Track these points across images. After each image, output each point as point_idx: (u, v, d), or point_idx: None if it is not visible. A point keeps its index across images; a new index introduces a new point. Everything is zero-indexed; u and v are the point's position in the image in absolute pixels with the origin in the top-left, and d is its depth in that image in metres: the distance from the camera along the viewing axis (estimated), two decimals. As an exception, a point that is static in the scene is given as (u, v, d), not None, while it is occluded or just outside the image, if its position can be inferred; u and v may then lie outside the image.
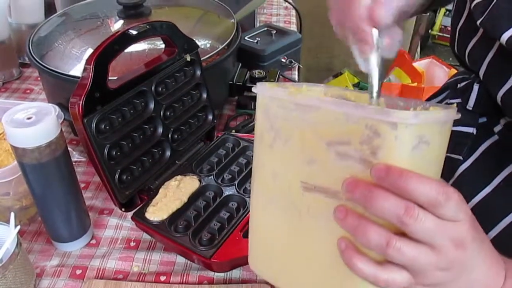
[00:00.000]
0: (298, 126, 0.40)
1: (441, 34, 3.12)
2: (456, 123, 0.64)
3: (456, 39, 0.63)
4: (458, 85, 0.67)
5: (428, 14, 2.47)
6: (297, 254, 0.43)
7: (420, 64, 2.14)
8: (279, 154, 0.42)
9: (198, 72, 0.76)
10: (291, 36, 1.08)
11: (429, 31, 3.13)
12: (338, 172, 0.37)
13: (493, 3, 0.52)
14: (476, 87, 0.61)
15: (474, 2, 0.55)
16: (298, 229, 0.42)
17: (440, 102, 0.76)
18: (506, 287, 0.41)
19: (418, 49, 2.55)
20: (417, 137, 0.34)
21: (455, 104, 0.42)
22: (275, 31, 1.08)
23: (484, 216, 0.51)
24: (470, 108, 0.62)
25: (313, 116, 0.39)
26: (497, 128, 0.60)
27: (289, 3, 1.38)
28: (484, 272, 0.40)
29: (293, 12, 1.37)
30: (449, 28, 2.75)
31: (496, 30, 0.51)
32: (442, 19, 3.11)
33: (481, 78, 0.59)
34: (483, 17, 0.53)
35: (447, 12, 3.02)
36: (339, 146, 0.37)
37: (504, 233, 0.53)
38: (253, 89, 0.42)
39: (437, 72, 2.12)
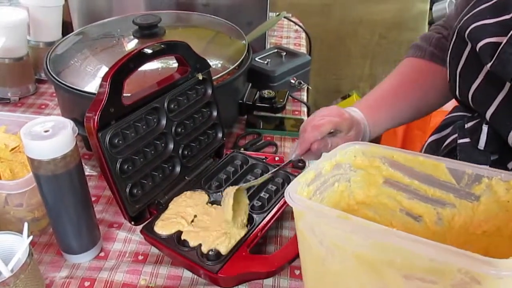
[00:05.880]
0: (358, 249, 0.36)
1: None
2: (468, 161, 0.64)
3: (458, 82, 0.64)
4: (466, 125, 0.68)
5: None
6: None
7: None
8: (335, 271, 0.39)
9: (209, 91, 0.77)
10: (301, 58, 1.11)
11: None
12: None
13: (500, 48, 0.53)
14: (485, 128, 0.61)
15: (480, 45, 0.56)
16: None
17: (443, 138, 0.77)
18: None
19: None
20: None
21: None
22: (285, 53, 1.10)
23: None
24: (482, 148, 0.62)
25: (378, 244, 0.35)
26: (510, 165, 0.60)
27: (299, 26, 1.41)
28: None
29: (303, 35, 1.39)
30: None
31: (507, 73, 0.52)
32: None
33: (488, 119, 0.59)
34: (492, 61, 0.54)
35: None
36: (423, 283, 0.33)
37: None
38: (288, 202, 0.40)
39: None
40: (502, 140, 0.59)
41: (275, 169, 0.72)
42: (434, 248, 0.32)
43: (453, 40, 0.64)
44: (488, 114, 0.58)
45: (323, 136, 0.67)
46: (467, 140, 0.65)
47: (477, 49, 0.57)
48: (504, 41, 0.52)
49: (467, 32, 0.59)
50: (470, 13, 0.60)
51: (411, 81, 0.79)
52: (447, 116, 0.81)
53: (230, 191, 0.65)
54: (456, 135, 0.70)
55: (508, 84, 0.55)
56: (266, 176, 0.70)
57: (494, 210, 0.44)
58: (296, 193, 0.42)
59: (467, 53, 0.61)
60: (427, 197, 0.48)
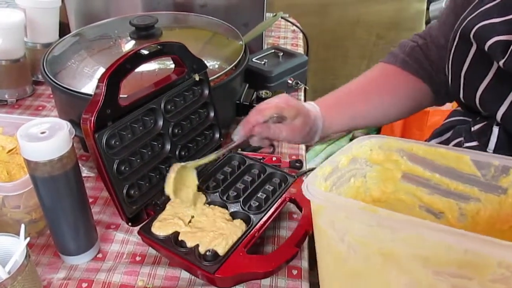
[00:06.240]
0: (385, 245, 0.34)
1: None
2: None
3: (462, 86, 0.63)
4: (472, 128, 0.67)
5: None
6: None
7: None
8: (358, 270, 0.37)
9: (206, 92, 0.78)
10: (298, 58, 1.11)
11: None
12: None
13: None
14: (495, 130, 0.60)
15: (489, 43, 0.56)
16: None
17: (444, 142, 0.77)
18: None
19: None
20: None
21: None
22: (282, 53, 1.10)
23: None
24: (491, 151, 0.61)
25: (407, 238, 0.32)
26: None
27: (296, 26, 1.41)
28: None
29: (300, 35, 1.40)
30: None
31: None
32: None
33: (499, 120, 0.58)
34: (505, 58, 0.53)
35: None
36: (455, 279, 0.31)
37: None
38: (307, 195, 0.38)
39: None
40: None
41: (224, 149, 0.72)
42: (471, 239, 0.29)
43: (455, 43, 0.63)
44: (499, 114, 0.58)
45: (266, 121, 0.68)
46: (474, 143, 0.65)
47: (486, 48, 0.56)
48: None
49: (472, 32, 0.58)
50: (474, 14, 0.60)
51: (376, 84, 0.79)
52: (446, 121, 0.81)
53: (174, 166, 0.67)
54: (461, 138, 0.69)
55: None
56: (213, 155, 0.72)
57: None
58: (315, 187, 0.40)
59: (472, 54, 0.61)
60: (449, 192, 0.45)
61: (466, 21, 0.60)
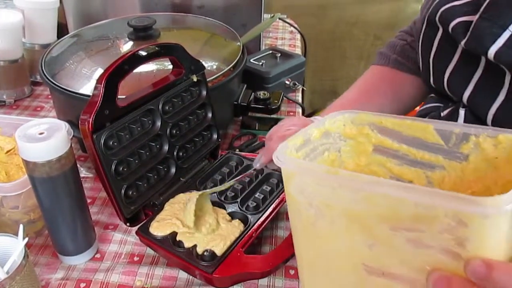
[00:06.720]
0: (347, 206, 0.36)
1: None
2: None
3: (431, 71, 0.65)
4: (441, 114, 0.68)
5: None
6: None
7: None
8: (326, 234, 0.39)
9: (204, 92, 0.78)
10: (295, 59, 1.11)
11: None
12: (412, 259, 0.33)
13: (472, 24, 0.54)
14: (462, 112, 0.62)
15: (452, 25, 0.57)
16: None
17: None
18: None
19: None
20: None
21: None
22: (279, 54, 1.11)
23: None
24: None
25: (366, 197, 0.34)
26: None
27: (294, 27, 1.42)
28: None
29: (298, 36, 1.40)
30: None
31: (481, 47, 0.53)
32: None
33: (465, 102, 0.60)
34: (466, 38, 0.55)
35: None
36: (409, 232, 0.33)
37: None
38: (277, 163, 0.39)
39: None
40: (480, 122, 0.59)
41: (240, 176, 0.70)
42: (418, 192, 0.31)
43: (423, 29, 0.65)
44: (465, 97, 0.59)
45: None
46: None
47: (450, 30, 0.58)
48: (476, 17, 0.54)
49: (437, 15, 0.60)
50: None
51: (375, 89, 0.80)
52: (421, 108, 0.82)
53: (192, 196, 0.66)
54: None
55: (483, 61, 0.56)
56: (232, 181, 0.70)
57: (483, 169, 0.43)
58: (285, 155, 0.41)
59: (439, 38, 0.62)
60: (416, 161, 0.46)
61: (432, 6, 0.62)
